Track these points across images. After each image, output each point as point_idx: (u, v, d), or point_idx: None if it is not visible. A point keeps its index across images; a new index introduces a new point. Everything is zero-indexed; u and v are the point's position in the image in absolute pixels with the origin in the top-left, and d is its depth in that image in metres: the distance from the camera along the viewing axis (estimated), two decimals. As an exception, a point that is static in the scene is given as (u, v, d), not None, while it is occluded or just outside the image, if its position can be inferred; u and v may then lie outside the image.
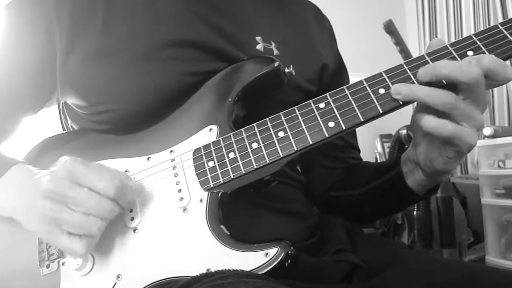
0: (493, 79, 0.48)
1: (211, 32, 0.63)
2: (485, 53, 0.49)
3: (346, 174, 0.76)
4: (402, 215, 1.45)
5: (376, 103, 0.51)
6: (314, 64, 0.71)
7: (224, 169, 0.53)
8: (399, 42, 1.39)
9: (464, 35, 0.53)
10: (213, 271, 0.48)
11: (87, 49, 0.60)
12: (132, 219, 0.54)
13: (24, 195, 0.52)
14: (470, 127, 0.48)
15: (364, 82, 0.52)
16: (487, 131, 1.68)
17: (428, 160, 0.55)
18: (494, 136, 1.67)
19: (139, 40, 0.60)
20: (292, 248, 0.49)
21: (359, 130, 0.75)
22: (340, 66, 0.79)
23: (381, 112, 0.50)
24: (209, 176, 0.53)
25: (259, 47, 0.65)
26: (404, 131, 1.49)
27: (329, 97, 0.53)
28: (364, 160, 0.82)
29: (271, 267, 0.47)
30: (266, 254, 0.48)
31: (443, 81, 0.48)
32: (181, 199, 0.53)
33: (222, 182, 0.53)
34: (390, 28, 1.38)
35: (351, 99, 0.52)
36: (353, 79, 0.54)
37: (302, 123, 0.53)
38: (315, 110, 0.53)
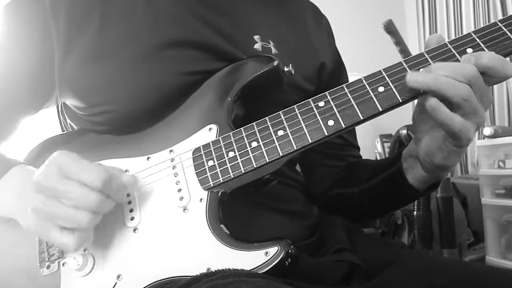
0: (493, 76, 0.48)
1: (210, 31, 0.63)
2: (484, 50, 0.49)
3: (346, 172, 0.76)
4: (402, 215, 1.45)
5: (376, 101, 0.51)
6: (313, 62, 0.71)
7: (224, 168, 0.53)
8: (399, 42, 1.39)
9: (464, 35, 0.53)
10: (213, 271, 0.48)
11: (85, 49, 0.60)
12: (132, 218, 0.54)
13: (24, 195, 0.52)
14: (473, 123, 0.49)
15: (364, 80, 0.52)
16: (487, 131, 1.68)
17: (428, 156, 0.55)
18: (494, 136, 1.67)
19: (138, 40, 0.60)
20: (292, 247, 0.49)
21: (359, 130, 0.76)
22: (339, 64, 0.79)
23: (380, 110, 0.50)
24: (208, 175, 0.53)
25: (257, 46, 0.65)
26: (404, 131, 1.48)
27: (328, 96, 0.53)
28: (364, 159, 0.82)
29: (271, 266, 0.47)
30: (266, 253, 0.48)
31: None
32: (181, 198, 0.53)
33: (221, 181, 0.53)
34: (390, 28, 1.38)
35: (350, 98, 0.52)
36: (353, 79, 0.54)
37: (301, 122, 0.53)
38: (314, 109, 0.53)
